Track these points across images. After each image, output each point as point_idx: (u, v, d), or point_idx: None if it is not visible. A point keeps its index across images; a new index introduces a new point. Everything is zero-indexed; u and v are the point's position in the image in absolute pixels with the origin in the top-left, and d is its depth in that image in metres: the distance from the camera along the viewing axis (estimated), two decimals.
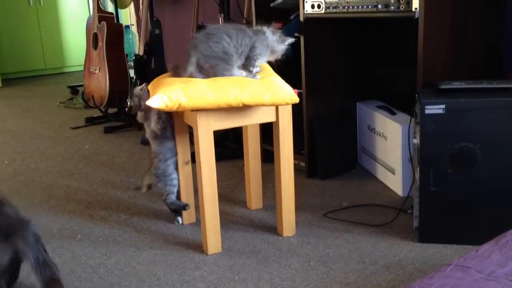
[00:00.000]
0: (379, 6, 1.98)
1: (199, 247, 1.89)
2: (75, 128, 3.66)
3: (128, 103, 3.54)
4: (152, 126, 1.92)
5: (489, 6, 2.02)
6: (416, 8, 1.85)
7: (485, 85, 1.77)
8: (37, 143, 3.35)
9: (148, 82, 1.95)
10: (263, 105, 1.77)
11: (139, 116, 1.96)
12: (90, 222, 2.14)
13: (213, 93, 1.70)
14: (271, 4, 2.53)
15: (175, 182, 1.99)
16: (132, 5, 4.84)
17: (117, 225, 2.11)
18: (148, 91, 1.86)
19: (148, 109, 1.89)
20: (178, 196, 2.02)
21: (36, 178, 2.71)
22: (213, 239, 1.83)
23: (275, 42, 1.82)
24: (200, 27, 3.37)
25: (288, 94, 1.78)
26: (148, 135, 1.97)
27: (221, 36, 1.75)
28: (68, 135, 3.50)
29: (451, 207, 1.76)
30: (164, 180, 1.97)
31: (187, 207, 2.01)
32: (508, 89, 1.74)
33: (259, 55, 1.81)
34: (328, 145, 2.47)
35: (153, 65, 3.51)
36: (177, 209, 2.04)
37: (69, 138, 3.44)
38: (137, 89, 1.93)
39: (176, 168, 2.00)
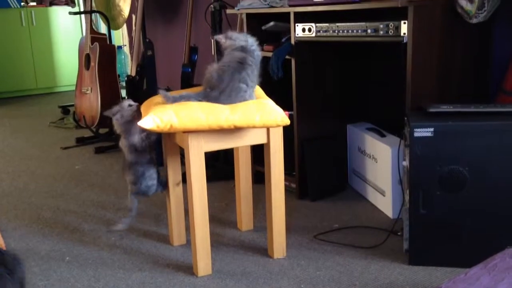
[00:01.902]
0: (369, 31, 2.01)
1: (189, 269, 1.87)
2: (66, 148, 3.65)
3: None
4: (134, 140, 1.90)
5: (476, 31, 2.06)
6: (404, 33, 1.88)
7: (472, 109, 1.80)
8: (27, 163, 3.33)
9: (140, 103, 1.95)
10: (254, 127, 1.78)
11: (116, 126, 1.94)
12: (79, 244, 2.13)
13: (205, 115, 1.71)
14: (263, 27, 2.56)
15: (154, 175, 1.96)
16: (125, 26, 4.88)
17: (106, 247, 2.09)
18: (138, 110, 1.86)
19: (129, 120, 1.88)
20: (164, 180, 2.01)
21: (25, 198, 2.68)
22: (204, 261, 1.82)
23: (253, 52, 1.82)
24: (192, 49, 3.41)
25: (279, 116, 1.79)
26: (123, 147, 1.93)
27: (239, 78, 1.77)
28: (59, 155, 3.48)
29: (440, 230, 1.77)
30: (143, 179, 1.93)
31: (160, 168, 1.99)
32: (496, 113, 1.77)
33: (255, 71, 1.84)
34: (318, 166, 2.48)
35: (145, 86, 3.52)
36: (164, 182, 2.01)
37: (60, 158, 3.42)
38: (125, 102, 1.91)
39: (158, 172, 1.99)
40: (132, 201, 1.98)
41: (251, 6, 2.53)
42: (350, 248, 1.98)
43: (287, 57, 2.37)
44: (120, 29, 4.90)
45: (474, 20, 1.95)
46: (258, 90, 1.99)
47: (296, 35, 2.33)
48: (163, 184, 2.01)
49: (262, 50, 2.53)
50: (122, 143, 1.93)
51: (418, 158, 1.73)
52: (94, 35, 3.85)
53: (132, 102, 1.91)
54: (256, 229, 2.18)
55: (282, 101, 2.08)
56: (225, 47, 1.85)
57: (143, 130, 1.88)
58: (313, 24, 2.25)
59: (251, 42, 1.83)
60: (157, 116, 1.70)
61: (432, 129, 1.71)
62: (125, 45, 5.65)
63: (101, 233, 2.22)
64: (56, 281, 1.83)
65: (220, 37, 1.87)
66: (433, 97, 1.99)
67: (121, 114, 1.88)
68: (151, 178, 1.96)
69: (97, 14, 4.49)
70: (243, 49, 1.81)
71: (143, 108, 1.88)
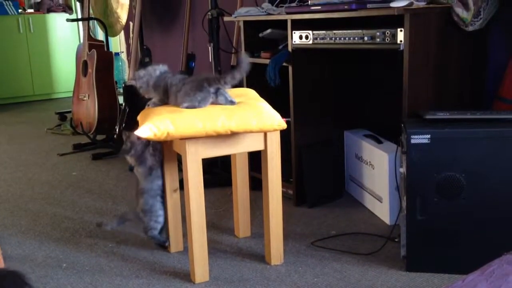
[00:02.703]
0: (365, 38, 2.03)
1: (186, 276, 1.87)
2: (63, 154, 3.65)
3: (116, 130, 3.55)
4: (149, 162, 1.94)
5: (472, 39, 2.08)
6: (401, 41, 1.89)
7: (469, 115, 1.80)
8: (23, 169, 3.32)
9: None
10: (251, 131, 1.78)
11: (129, 159, 1.98)
12: (76, 251, 2.12)
13: (201, 121, 1.71)
14: (260, 35, 2.57)
15: (161, 219, 2.01)
16: (122, 33, 4.88)
17: (104, 253, 2.09)
18: (146, 143, 1.91)
19: (142, 151, 1.93)
20: (166, 230, 2.04)
21: (22, 205, 2.68)
22: (201, 267, 1.82)
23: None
24: (189, 56, 3.41)
25: (275, 121, 1.80)
26: (139, 174, 1.99)
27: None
28: (56, 162, 3.48)
29: (438, 236, 1.77)
30: (150, 216, 1.99)
31: (166, 243, 2.05)
32: (492, 120, 1.78)
33: None
34: (316, 173, 2.48)
35: None
36: (158, 244, 2.08)
37: (57, 164, 3.41)
38: (134, 136, 1.94)
39: (164, 208, 2.02)
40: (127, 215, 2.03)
41: (248, 13, 2.54)
42: (347, 255, 1.98)
43: (284, 64, 2.38)
44: (118, 36, 4.91)
45: (470, 28, 1.96)
46: (253, 93, 1.99)
47: (293, 43, 2.34)
48: (166, 234, 2.04)
49: (260, 57, 2.55)
50: (137, 170, 1.98)
51: (415, 164, 1.74)
52: (92, 42, 3.86)
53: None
54: (254, 235, 2.18)
55: (280, 108, 2.08)
56: (143, 86, 1.90)
57: (147, 143, 1.91)
58: (310, 32, 2.26)
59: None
60: (154, 124, 1.70)
61: (428, 136, 1.71)
62: (123, 52, 5.66)
63: (98, 240, 2.21)
64: None
65: (133, 82, 1.94)
66: (429, 104, 2.00)
67: (135, 149, 1.93)
68: (156, 221, 2.00)
69: (95, 21, 4.50)
70: (166, 71, 1.90)
71: (140, 117, 1.88)
